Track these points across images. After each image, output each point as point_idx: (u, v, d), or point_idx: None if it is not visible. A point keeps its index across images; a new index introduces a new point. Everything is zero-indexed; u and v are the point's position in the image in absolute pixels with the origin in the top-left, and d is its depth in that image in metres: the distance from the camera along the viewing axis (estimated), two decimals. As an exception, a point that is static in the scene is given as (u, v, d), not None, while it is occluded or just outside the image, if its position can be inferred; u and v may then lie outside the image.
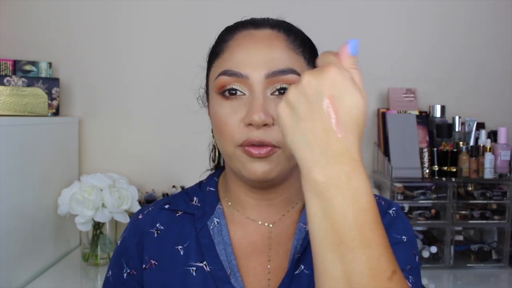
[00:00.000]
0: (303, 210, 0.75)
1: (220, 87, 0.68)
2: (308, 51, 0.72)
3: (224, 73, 0.68)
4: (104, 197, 1.45)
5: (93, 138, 1.79)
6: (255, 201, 0.74)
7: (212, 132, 0.76)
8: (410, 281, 0.68)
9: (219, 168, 0.83)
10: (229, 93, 0.67)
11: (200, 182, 0.82)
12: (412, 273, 0.69)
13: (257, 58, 0.67)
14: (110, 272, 0.79)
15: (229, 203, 0.76)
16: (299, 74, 0.67)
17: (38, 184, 1.46)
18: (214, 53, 0.72)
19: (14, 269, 1.33)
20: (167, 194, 1.71)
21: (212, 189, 0.78)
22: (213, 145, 0.81)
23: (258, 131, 0.65)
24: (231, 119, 0.67)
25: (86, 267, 1.53)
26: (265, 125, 0.65)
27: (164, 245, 0.74)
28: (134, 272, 0.75)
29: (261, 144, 0.65)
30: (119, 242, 0.79)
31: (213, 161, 0.82)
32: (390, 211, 0.75)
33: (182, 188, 1.68)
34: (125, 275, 0.76)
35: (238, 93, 0.67)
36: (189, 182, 0.86)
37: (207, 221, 0.74)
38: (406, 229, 0.73)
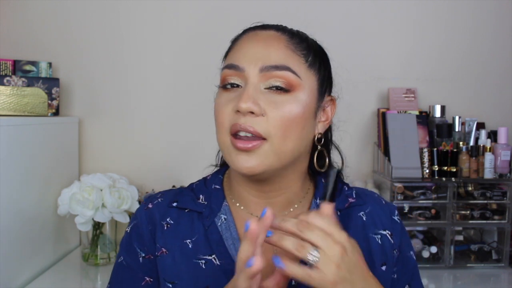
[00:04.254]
0: (309, 208, 0.78)
1: (223, 79, 0.73)
2: (312, 55, 0.74)
3: (226, 66, 0.73)
4: (104, 197, 1.45)
5: (93, 138, 1.79)
6: (256, 198, 0.77)
7: None
8: None
9: (224, 166, 0.85)
10: (230, 85, 0.72)
11: (205, 179, 0.83)
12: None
13: (255, 53, 0.71)
14: (122, 257, 0.80)
15: (233, 200, 0.79)
16: (294, 72, 0.70)
17: (38, 184, 1.46)
18: (226, 53, 0.78)
19: (14, 269, 1.33)
20: (167, 194, 1.71)
21: (217, 186, 0.80)
22: None
23: (245, 117, 0.68)
24: (225, 108, 0.71)
25: (86, 267, 1.54)
26: (252, 113, 0.68)
27: (173, 238, 0.77)
28: (151, 257, 0.77)
29: (245, 132, 0.68)
30: (128, 229, 0.80)
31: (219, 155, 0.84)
32: (396, 218, 0.81)
33: (182, 188, 1.67)
34: (140, 259, 0.78)
35: (238, 86, 0.72)
36: (189, 182, 0.86)
37: (215, 218, 0.76)
38: (409, 242, 0.83)
